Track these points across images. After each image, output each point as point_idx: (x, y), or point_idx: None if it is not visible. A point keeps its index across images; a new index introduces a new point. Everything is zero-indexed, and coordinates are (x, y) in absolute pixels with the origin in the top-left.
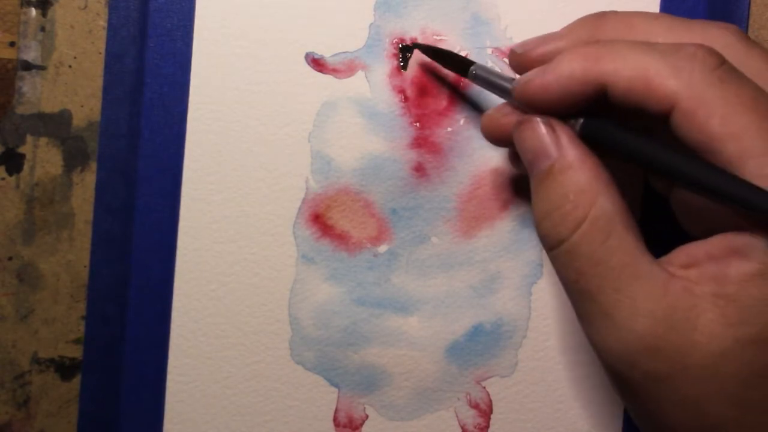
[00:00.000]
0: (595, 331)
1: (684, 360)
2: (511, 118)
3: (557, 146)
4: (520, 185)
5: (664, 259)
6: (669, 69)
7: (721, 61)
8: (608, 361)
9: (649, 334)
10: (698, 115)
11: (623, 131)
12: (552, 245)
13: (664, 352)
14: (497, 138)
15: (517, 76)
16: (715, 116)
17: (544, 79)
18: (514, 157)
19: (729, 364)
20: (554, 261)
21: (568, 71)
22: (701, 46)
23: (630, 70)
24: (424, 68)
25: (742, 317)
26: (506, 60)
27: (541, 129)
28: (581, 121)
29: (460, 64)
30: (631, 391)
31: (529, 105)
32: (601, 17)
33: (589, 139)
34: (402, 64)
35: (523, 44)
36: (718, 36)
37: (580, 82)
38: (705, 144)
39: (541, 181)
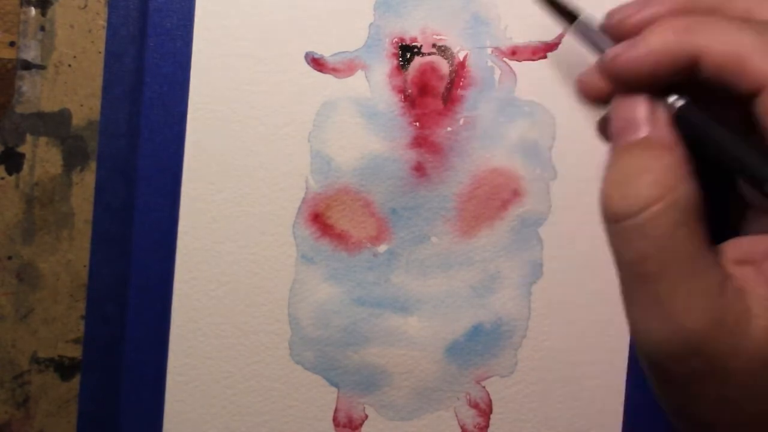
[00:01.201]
0: (641, 317)
1: (729, 363)
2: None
3: (653, 121)
4: (520, 185)
5: (717, 248)
6: (764, 48)
7: None
8: (649, 350)
9: (699, 332)
10: None
11: (719, 126)
12: (616, 217)
13: (711, 352)
14: (593, 96)
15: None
16: None
17: (635, 53)
18: (602, 124)
19: None
20: (613, 235)
21: (660, 44)
22: None
23: (723, 45)
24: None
25: None
26: (507, 60)
27: (642, 101)
28: (678, 105)
29: (566, 15)
30: (669, 383)
31: (617, 79)
32: None
33: (680, 126)
34: (402, 64)
35: (620, 10)
36: None
37: (671, 56)
38: None
39: (626, 149)
